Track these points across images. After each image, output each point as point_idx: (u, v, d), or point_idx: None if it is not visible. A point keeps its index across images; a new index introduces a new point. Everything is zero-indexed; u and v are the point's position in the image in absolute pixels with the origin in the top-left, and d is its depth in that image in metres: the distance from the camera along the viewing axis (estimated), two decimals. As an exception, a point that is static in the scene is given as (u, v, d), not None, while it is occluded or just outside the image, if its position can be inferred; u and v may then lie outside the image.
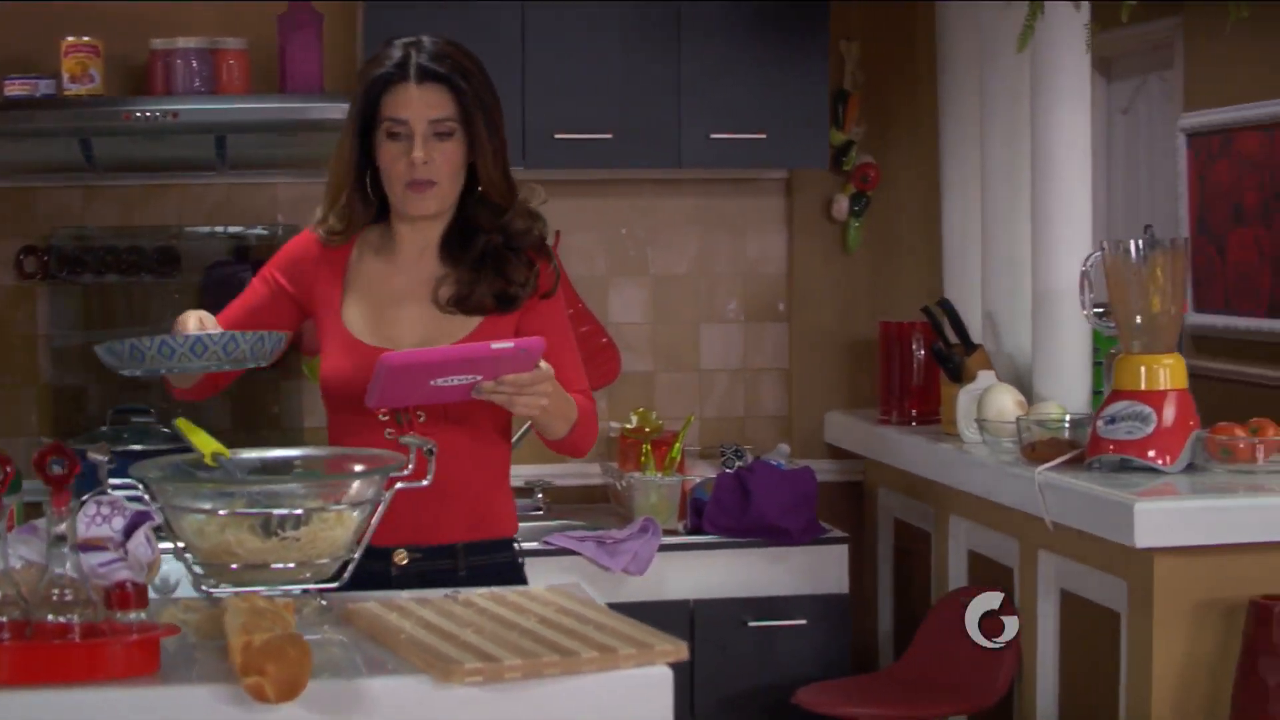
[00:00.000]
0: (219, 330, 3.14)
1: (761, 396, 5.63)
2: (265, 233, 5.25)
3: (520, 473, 5.28)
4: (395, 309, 3.39)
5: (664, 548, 4.86)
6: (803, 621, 4.92)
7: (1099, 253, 4.26)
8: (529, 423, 3.41)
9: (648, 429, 5.20)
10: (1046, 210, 4.62)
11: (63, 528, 2.44)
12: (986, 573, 4.70)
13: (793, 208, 5.57)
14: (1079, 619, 4.20)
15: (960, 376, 4.84)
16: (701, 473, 5.19)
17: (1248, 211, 7.33)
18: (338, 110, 4.25)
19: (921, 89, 5.56)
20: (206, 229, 5.25)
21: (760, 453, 5.40)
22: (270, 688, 2.34)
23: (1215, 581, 3.86)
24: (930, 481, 4.95)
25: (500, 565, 3.45)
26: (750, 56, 5.12)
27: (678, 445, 5.12)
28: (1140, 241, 4.18)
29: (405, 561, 3.32)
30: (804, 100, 5.16)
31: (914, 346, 5.18)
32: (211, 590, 2.78)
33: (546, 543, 4.84)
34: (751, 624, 4.88)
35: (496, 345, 3.12)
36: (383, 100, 3.32)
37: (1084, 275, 4.36)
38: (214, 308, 3.37)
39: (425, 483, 2.89)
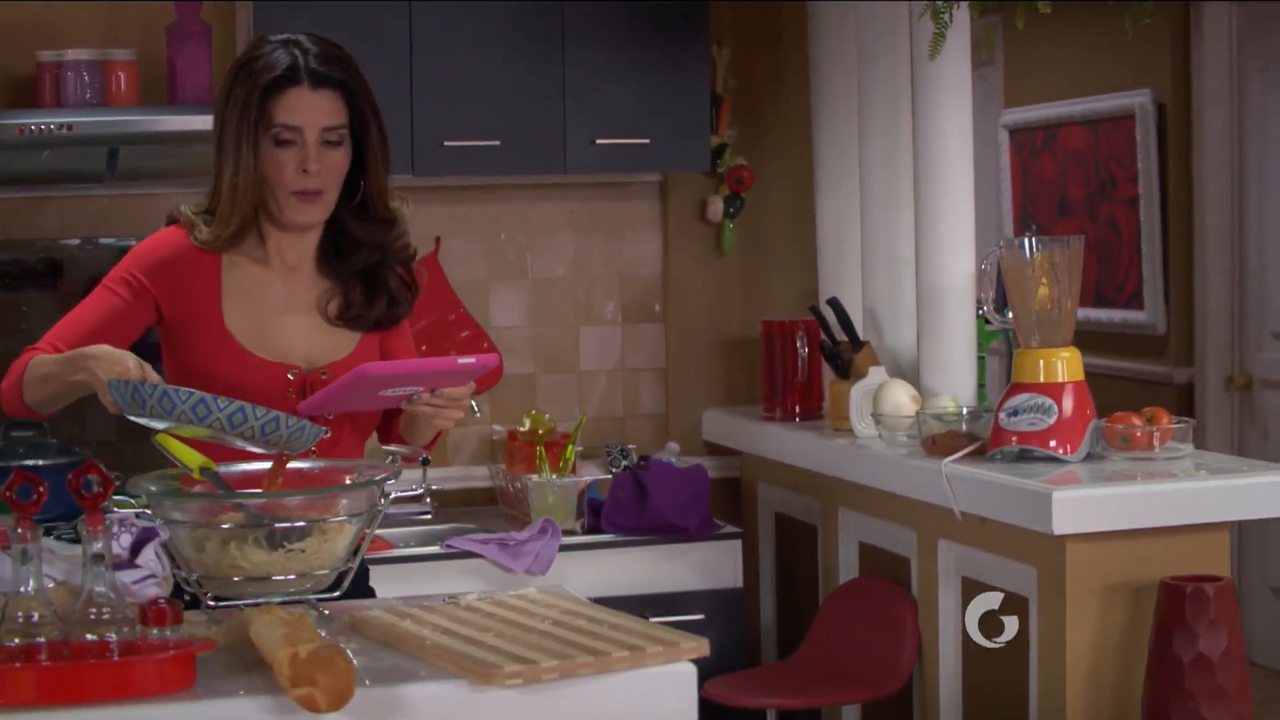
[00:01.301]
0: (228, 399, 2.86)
1: (640, 396, 5.70)
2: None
3: (408, 477, 5.33)
4: (279, 320, 3.34)
5: (564, 548, 4.92)
6: (700, 616, 5.01)
7: (997, 250, 4.40)
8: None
9: (541, 431, 5.25)
10: (931, 208, 4.71)
11: (99, 546, 2.45)
12: (880, 564, 4.82)
13: (668, 210, 5.66)
14: (983, 605, 4.33)
15: (849, 373, 4.96)
16: (591, 473, 5.25)
17: (1072, 204, 7.58)
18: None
19: (791, 91, 5.66)
20: (78, 241, 5.18)
21: (643, 451, 5.49)
22: (322, 698, 2.38)
23: (1123, 565, 4.02)
24: (817, 475, 5.05)
25: (361, 572, 3.49)
26: (632, 61, 5.19)
27: (571, 446, 5.18)
28: (1035, 239, 4.32)
29: None
30: (685, 104, 5.24)
31: (798, 344, 5.27)
32: (215, 604, 2.80)
33: (448, 546, 4.87)
34: (652, 620, 4.92)
35: (463, 360, 3.12)
36: (272, 104, 3.20)
37: (984, 272, 4.51)
38: None
39: (420, 490, 2.93)
